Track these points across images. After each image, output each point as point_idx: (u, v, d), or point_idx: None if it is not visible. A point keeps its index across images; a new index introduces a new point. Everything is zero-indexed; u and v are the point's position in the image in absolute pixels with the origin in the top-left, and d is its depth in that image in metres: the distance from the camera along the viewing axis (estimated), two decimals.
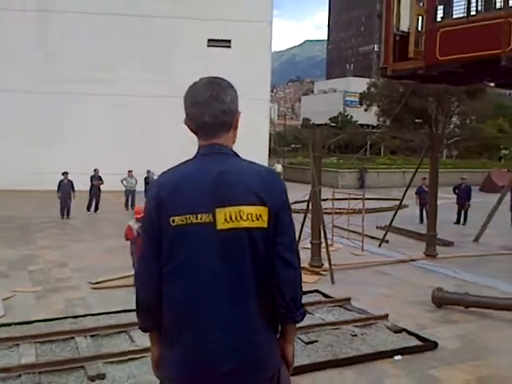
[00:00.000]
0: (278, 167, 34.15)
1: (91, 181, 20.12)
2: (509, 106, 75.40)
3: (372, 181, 32.28)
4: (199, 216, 2.12)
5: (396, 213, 14.31)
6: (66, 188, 18.51)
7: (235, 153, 2.30)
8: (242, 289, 2.15)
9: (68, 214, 18.59)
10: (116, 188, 21.25)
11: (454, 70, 11.32)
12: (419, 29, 11.76)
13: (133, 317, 7.76)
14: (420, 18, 11.79)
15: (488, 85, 14.94)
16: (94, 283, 9.96)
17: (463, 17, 11.54)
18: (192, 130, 2.30)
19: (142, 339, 6.93)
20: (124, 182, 20.91)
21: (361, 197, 13.86)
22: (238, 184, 2.15)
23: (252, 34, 29.01)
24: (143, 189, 19.98)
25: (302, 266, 8.65)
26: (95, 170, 20.47)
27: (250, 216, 2.13)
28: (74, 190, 18.69)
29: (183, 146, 27.05)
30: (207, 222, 2.12)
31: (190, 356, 2.14)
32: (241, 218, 2.12)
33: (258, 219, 2.14)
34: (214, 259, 2.13)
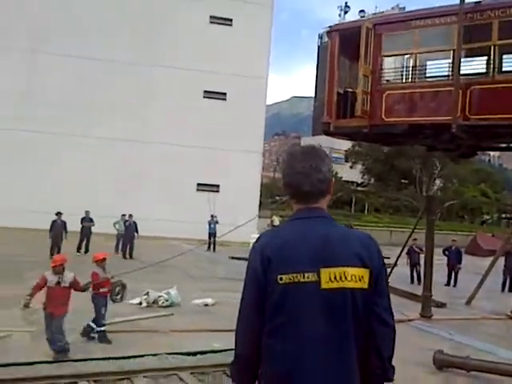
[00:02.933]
0: (276, 220, 34.20)
1: (82, 222, 19.99)
2: (489, 171, 77.33)
3: None
4: (306, 275, 2.21)
5: (391, 272, 14.42)
6: (58, 228, 18.36)
7: (331, 216, 2.43)
8: (344, 347, 2.23)
9: (58, 253, 18.33)
10: (101, 230, 21.12)
11: (400, 131, 11.47)
12: (365, 89, 11.85)
13: (134, 363, 7.66)
14: (366, 78, 11.89)
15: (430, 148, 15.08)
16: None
17: (410, 81, 11.82)
18: (288, 194, 2.45)
19: None
20: (116, 226, 20.81)
21: None
22: (341, 246, 2.26)
23: (248, 88, 29.67)
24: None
25: None
26: (86, 212, 20.37)
27: (353, 277, 2.23)
28: (66, 231, 18.53)
29: (162, 190, 27.09)
30: (313, 280, 2.22)
31: None
32: (345, 278, 2.22)
33: (360, 280, 2.25)
34: (317, 317, 2.21)
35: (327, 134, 13.38)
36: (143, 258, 20.17)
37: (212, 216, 25.42)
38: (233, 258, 22.62)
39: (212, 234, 25.38)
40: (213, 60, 29.56)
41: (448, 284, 18.39)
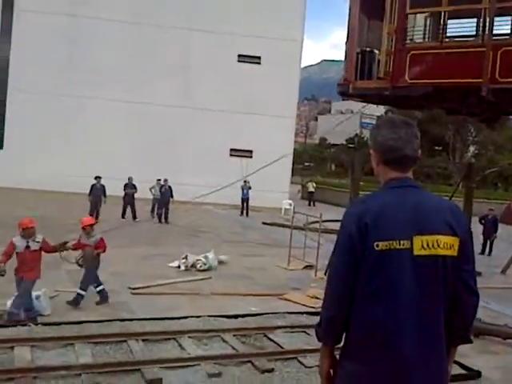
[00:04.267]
0: (311, 186, 34.24)
1: (124, 189, 20.31)
2: None
3: None
4: (401, 242, 2.32)
5: None
6: (97, 192, 18.78)
7: (421, 186, 2.57)
8: (434, 311, 2.37)
9: (97, 217, 18.78)
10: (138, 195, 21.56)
11: (423, 94, 10.96)
12: (389, 49, 11.28)
13: (178, 324, 7.94)
14: (390, 37, 11.34)
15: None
16: (133, 288, 10.13)
17: (437, 41, 11.27)
18: (383, 160, 2.53)
19: (192, 347, 7.10)
20: (152, 191, 21.13)
21: None
22: (433, 215, 2.38)
23: (283, 51, 29.37)
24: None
25: None
26: (129, 178, 20.68)
27: (445, 245, 2.36)
28: (105, 195, 18.93)
29: (196, 155, 27.57)
30: (407, 248, 2.33)
31: (385, 373, 2.30)
32: (438, 246, 2.35)
33: (450, 248, 2.38)
34: (410, 283, 2.32)
35: (345, 95, 12.86)
36: (179, 222, 20.57)
37: (245, 181, 25.61)
38: (265, 223, 22.81)
39: (245, 200, 25.64)
40: (247, 23, 29.31)
41: (483, 253, 18.27)
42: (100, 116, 28.43)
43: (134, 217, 20.24)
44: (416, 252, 2.33)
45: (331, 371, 2.52)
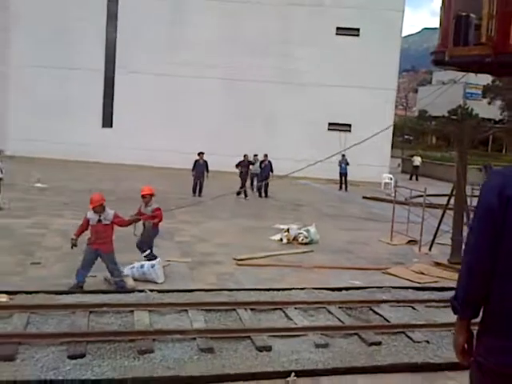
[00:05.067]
0: (417, 160, 33.35)
1: (239, 166, 20.85)
2: None
3: None
4: None
5: None
6: (200, 167, 19.42)
7: None
8: None
9: (200, 192, 19.48)
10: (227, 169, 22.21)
11: None
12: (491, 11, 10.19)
13: (283, 295, 8.12)
14: None
15: None
16: (238, 260, 10.45)
17: None
18: None
19: (298, 318, 7.25)
20: (250, 166, 21.45)
21: None
22: None
23: (382, 22, 28.43)
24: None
25: (439, 261, 8.56)
26: (245, 156, 21.12)
27: None
28: (208, 170, 19.53)
29: (294, 130, 27.43)
30: None
31: None
32: None
33: None
34: None
35: (441, 64, 12.04)
36: (278, 196, 20.81)
37: (343, 155, 25.31)
38: (366, 197, 22.51)
39: (343, 174, 25.40)
40: None
41: None
42: (200, 94, 29.11)
43: (264, 194, 20.73)
44: None
45: (465, 346, 2.49)
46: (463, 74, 15.98)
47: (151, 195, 9.45)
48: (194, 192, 19.50)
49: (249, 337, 6.46)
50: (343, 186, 25.46)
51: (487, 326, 2.40)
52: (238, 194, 20.02)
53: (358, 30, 29.35)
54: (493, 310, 2.37)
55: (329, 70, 28.72)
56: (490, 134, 53.43)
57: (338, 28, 29.40)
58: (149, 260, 9.16)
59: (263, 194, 20.63)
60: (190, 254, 10.96)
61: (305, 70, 28.95)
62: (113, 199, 15.00)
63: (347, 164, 25.14)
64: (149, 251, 9.52)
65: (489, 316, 2.39)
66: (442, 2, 11.42)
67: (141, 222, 9.66)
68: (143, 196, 9.39)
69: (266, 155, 21.17)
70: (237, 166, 20.97)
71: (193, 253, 11.05)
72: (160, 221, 9.56)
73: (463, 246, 9.72)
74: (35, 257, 9.85)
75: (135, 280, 8.64)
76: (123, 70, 29.40)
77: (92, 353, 5.87)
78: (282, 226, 14.20)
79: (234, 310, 7.36)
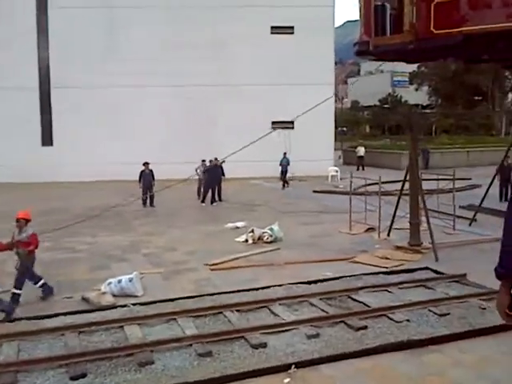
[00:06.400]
0: (362, 150, 34.22)
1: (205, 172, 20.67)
2: None
3: (436, 161, 31.91)
4: None
5: (486, 192, 14.43)
6: (147, 177, 19.30)
7: None
8: None
9: (152, 202, 19.36)
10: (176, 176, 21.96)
11: (452, 44, 10.32)
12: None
13: (264, 294, 8.36)
14: None
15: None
16: (211, 265, 10.59)
17: None
18: None
19: (285, 313, 7.51)
20: (198, 171, 21.24)
21: (450, 177, 14.04)
22: None
23: (314, 19, 29.05)
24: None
25: (400, 245, 9.10)
26: (210, 160, 20.91)
27: None
28: (154, 178, 19.43)
29: (238, 132, 27.55)
30: None
31: None
32: None
33: None
34: None
35: (364, 54, 12.16)
36: (232, 198, 20.97)
37: (284, 154, 25.69)
38: (316, 191, 23.05)
39: (283, 172, 25.57)
40: None
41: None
42: (143, 104, 28.85)
43: (215, 200, 20.56)
44: None
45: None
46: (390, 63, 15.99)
47: (26, 220, 8.56)
48: (145, 203, 19.38)
49: (242, 337, 6.66)
50: (285, 183, 25.59)
51: None
52: (203, 201, 20.10)
53: (292, 27, 29.89)
54: None
55: (267, 70, 29.10)
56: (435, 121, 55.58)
57: (272, 27, 29.84)
58: (44, 290, 8.79)
59: (217, 198, 20.66)
60: (161, 264, 11.00)
61: (244, 71, 29.22)
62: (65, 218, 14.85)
63: (288, 163, 25.46)
64: (42, 281, 8.81)
65: None
66: None
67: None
68: (17, 220, 8.49)
69: (216, 159, 21.12)
70: (204, 172, 20.76)
71: (163, 263, 11.10)
72: (36, 247, 8.66)
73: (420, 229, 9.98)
74: None
75: (114, 296, 8.64)
76: (59, 85, 28.71)
77: (93, 371, 5.91)
78: (238, 224, 14.72)
79: (221, 313, 7.53)
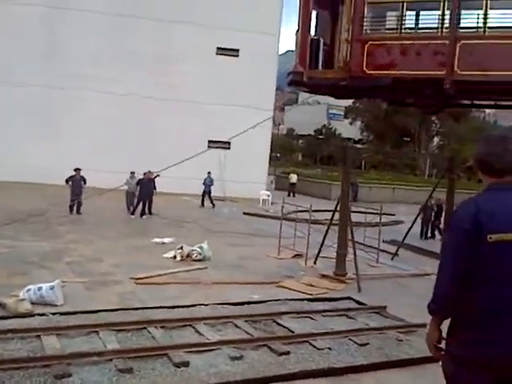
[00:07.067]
0: (294, 177, 34.68)
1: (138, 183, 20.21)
2: (486, 129, 77.39)
3: (364, 195, 33.00)
4: (510, 235, 2.74)
5: (410, 229, 15.07)
6: (77, 182, 18.76)
7: None
8: None
9: (78, 209, 18.84)
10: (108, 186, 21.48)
11: (382, 85, 10.83)
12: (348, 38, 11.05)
13: (189, 312, 8.32)
14: (349, 26, 11.05)
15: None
16: (137, 278, 10.41)
17: (396, 32, 11.05)
18: (487, 169, 2.93)
19: (209, 333, 7.48)
20: (127, 182, 20.67)
21: (377, 211, 14.58)
22: None
23: (259, 45, 29.66)
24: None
25: (325, 273, 9.40)
26: (148, 172, 20.36)
27: None
28: (85, 182, 18.92)
29: (177, 147, 27.40)
30: None
31: (495, 343, 2.74)
32: None
33: None
34: None
35: (297, 85, 12.50)
36: (162, 213, 20.75)
37: (208, 173, 25.62)
38: (246, 213, 23.22)
39: (206, 192, 25.46)
40: (226, 16, 29.42)
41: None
42: (82, 108, 28.23)
43: (143, 213, 20.15)
44: None
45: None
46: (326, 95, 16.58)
47: None
48: (71, 210, 18.82)
49: (166, 354, 6.56)
50: (205, 202, 25.41)
51: (461, 323, 2.86)
52: (132, 213, 19.72)
53: (237, 50, 30.36)
54: (460, 314, 2.85)
55: (209, 89, 29.31)
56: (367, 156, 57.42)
57: (218, 48, 30.18)
58: None
59: (147, 212, 20.36)
60: (84, 274, 10.68)
61: (186, 87, 29.27)
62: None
63: (211, 183, 25.54)
64: None
65: (464, 315, 2.85)
66: (298, 25, 11.80)
67: None
68: None
69: (149, 171, 20.79)
70: (136, 184, 20.27)
71: (87, 273, 10.79)
72: None
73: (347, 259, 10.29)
74: None
75: (32, 304, 8.30)
76: None
77: (6, 380, 5.63)
78: (165, 240, 14.63)
79: (145, 328, 7.40)
